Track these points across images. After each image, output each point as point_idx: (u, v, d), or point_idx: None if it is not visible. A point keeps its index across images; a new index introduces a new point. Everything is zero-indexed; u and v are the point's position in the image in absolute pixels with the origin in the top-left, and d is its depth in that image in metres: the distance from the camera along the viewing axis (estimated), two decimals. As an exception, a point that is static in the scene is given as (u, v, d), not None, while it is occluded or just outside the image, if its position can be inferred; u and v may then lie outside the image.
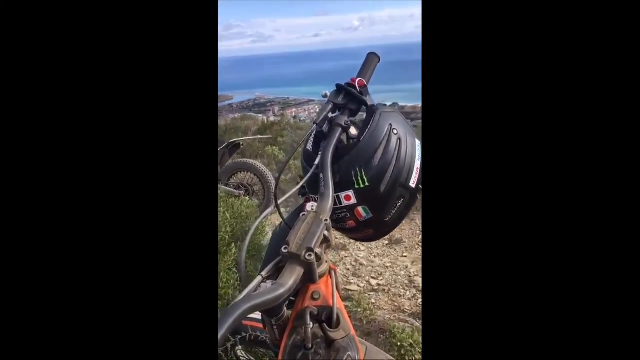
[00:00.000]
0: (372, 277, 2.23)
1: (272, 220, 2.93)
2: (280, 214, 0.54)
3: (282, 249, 0.44)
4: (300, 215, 0.50)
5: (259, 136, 4.48)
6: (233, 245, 1.22)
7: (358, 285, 2.14)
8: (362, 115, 0.64)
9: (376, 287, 2.13)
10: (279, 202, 0.55)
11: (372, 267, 2.35)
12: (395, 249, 2.59)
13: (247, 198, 2.64)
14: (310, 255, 0.44)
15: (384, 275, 2.26)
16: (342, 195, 0.58)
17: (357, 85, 0.63)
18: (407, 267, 2.34)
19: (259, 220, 0.53)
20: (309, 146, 0.65)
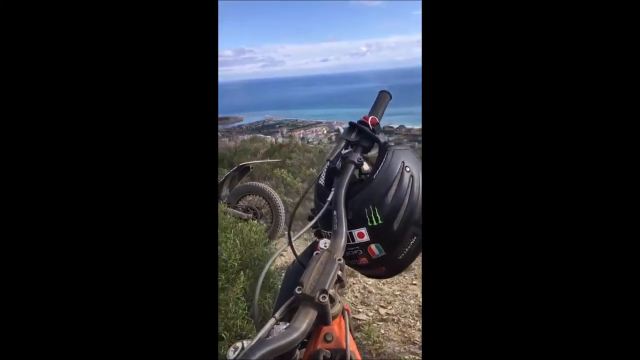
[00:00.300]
0: (381, 306, 2.17)
1: (281, 244, 2.91)
2: (293, 251, 0.54)
3: (296, 289, 0.44)
4: (314, 253, 0.50)
5: (269, 160, 4.54)
6: (242, 273, 1.22)
7: (367, 314, 2.09)
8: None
9: (385, 317, 2.07)
10: (293, 239, 0.55)
11: (381, 294, 2.30)
12: (405, 276, 2.54)
13: (256, 221, 2.64)
14: (324, 297, 0.44)
15: (393, 304, 2.20)
16: (355, 232, 0.58)
17: (369, 123, 0.65)
18: (417, 295, 2.28)
19: (271, 260, 0.53)
20: (322, 181, 0.66)
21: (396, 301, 2.22)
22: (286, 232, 2.69)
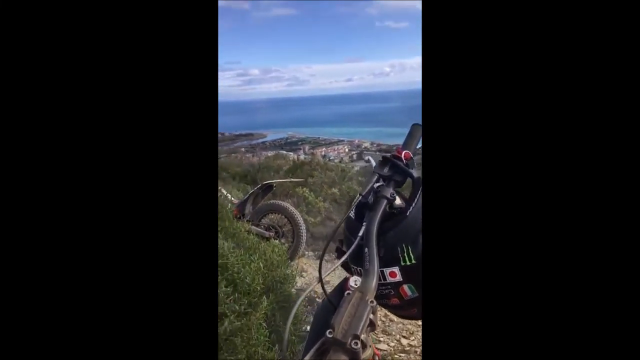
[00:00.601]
0: (403, 336, 2.09)
1: (300, 265, 2.89)
2: (323, 290, 0.53)
3: (327, 332, 0.43)
4: (345, 293, 0.49)
5: (292, 179, 4.59)
6: (265, 297, 1.21)
7: (388, 345, 2.01)
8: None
9: (407, 348, 1.98)
10: (323, 276, 0.54)
11: (403, 324, 2.21)
12: (428, 305, 2.44)
13: (277, 240, 2.64)
14: (356, 344, 0.42)
15: (416, 334, 2.11)
16: (387, 271, 0.56)
17: (403, 157, 0.64)
18: (441, 327, 2.17)
19: (300, 299, 0.52)
20: (352, 214, 0.65)
21: (419, 332, 2.13)
22: (307, 253, 2.65)
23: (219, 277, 1.08)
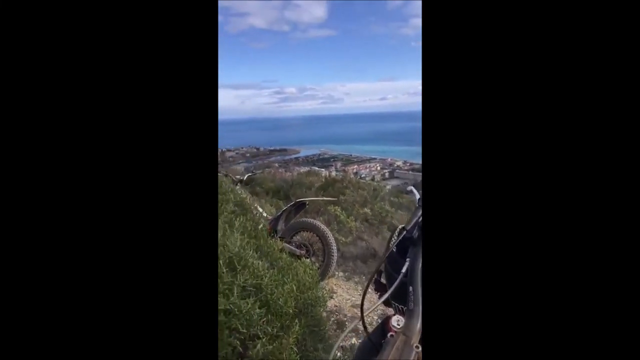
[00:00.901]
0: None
1: (330, 285, 2.84)
2: (365, 329, 0.52)
3: None
4: (388, 335, 0.47)
5: (324, 197, 4.60)
6: (296, 320, 1.19)
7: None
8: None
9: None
10: (365, 313, 0.52)
11: None
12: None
13: (308, 259, 2.63)
14: (403, 393, 0.40)
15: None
16: None
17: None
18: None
19: (340, 339, 0.51)
20: (394, 248, 0.63)
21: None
22: (337, 273, 2.61)
23: (253, 298, 1.08)
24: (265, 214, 3.13)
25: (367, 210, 5.05)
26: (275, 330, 1.10)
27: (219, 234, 1.15)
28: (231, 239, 1.13)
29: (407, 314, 0.50)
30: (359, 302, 0.56)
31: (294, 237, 3.06)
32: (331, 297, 2.63)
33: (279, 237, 2.91)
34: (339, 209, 4.70)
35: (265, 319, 1.10)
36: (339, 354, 1.70)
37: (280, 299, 1.19)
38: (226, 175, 3.20)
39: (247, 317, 0.97)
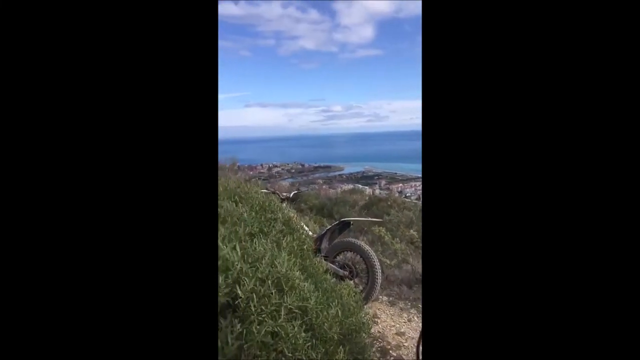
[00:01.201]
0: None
1: (374, 310, 2.75)
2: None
3: None
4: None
5: (368, 218, 4.54)
6: (341, 347, 1.17)
7: None
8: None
9: None
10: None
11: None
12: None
13: (352, 281, 2.59)
14: None
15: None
16: None
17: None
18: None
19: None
20: None
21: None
22: (381, 297, 2.51)
23: (299, 321, 1.08)
24: (309, 231, 3.15)
25: (413, 232, 4.85)
26: (319, 355, 1.08)
27: (267, 254, 1.18)
28: (279, 259, 1.15)
29: None
30: (404, 330, 0.55)
31: (337, 257, 3.03)
32: (374, 322, 2.54)
33: (322, 256, 2.91)
34: (383, 230, 4.58)
35: (310, 343, 1.09)
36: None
37: (325, 324, 1.17)
38: (274, 193, 3.30)
39: (293, 341, 0.97)
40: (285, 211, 2.24)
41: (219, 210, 1.45)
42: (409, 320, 2.57)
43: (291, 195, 3.46)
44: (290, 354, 0.96)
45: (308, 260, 1.60)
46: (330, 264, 2.85)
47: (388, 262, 3.87)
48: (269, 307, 0.99)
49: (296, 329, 1.01)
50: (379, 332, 2.49)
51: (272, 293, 1.02)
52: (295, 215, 2.73)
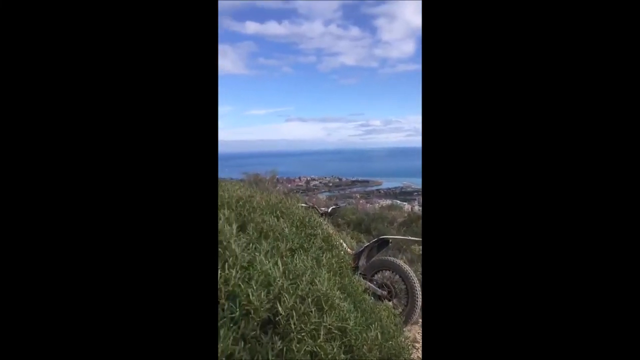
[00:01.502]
0: None
1: (413, 333, 2.63)
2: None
3: None
4: None
5: (409, 237, 4.41)
6: (380, 373, 1.13)
7: None
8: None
9: None
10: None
11: None
12: None
13: (391, 302, 2.51)
14: None
15: None
16: None
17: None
18: None
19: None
20: None
21: None
22: (420, 319, 2.40)
23: (338, 342, 1.07)
24: (348, 249, 3.12)
25: (455, 252, 4.60)
26: (359, 380, 1.06)
27: (308, 271, 1.19)
28: (319, 277, 1.16)
29: None
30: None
31: (374, 276, 2.96)
32: (414, 347, 2.42)
33: (360, 274, 2.85)
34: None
35: (349, 366, 1.07)
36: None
37: (365, 346, 1.14)
38: (312, 207, 3.33)
39: (332, 363, 0.96)
40: (325, 227, 2.25)
41: (262, 225, 1.49)
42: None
43: (329, 210, 3.46)
44: (329, 376, 0.95)
45: (347, 279, 1.59)
46: (369, 283, 2.79)
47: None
48: (308, 325, 0.99)
49: (335, 349, 1.00)
50: (418, 357, 2.37)
51: (311, 311, 1.02)
52: (335, 232, 2.73)
